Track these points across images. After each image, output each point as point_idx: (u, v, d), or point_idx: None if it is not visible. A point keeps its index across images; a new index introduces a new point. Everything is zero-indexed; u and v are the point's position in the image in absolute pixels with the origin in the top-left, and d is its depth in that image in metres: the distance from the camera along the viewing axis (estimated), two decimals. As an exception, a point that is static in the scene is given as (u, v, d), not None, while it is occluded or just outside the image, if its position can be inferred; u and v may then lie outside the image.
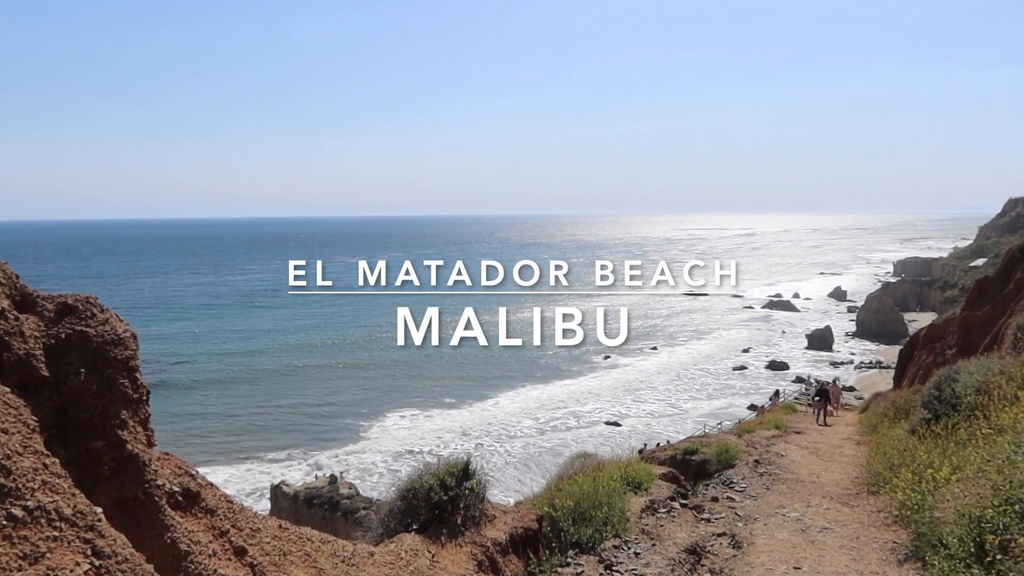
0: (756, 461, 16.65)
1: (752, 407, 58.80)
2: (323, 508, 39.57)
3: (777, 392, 50.37)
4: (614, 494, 9.78)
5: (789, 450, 18.82)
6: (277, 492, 41.92)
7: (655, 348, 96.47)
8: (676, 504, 11.24)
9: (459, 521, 7.39)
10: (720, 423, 51.41)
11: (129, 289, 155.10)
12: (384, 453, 55.98)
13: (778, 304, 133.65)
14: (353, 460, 54.63)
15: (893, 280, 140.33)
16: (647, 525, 9.62)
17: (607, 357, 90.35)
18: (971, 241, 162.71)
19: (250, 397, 69.24)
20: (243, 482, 50.07)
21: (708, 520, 10.51)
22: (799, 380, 73.39)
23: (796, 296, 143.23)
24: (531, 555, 7.95)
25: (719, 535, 9.74)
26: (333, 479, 42.52)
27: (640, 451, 25.97)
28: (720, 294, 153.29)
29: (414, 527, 7.28)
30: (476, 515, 7.54)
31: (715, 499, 11.85)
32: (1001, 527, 5.45)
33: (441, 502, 7.26)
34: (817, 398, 28.08)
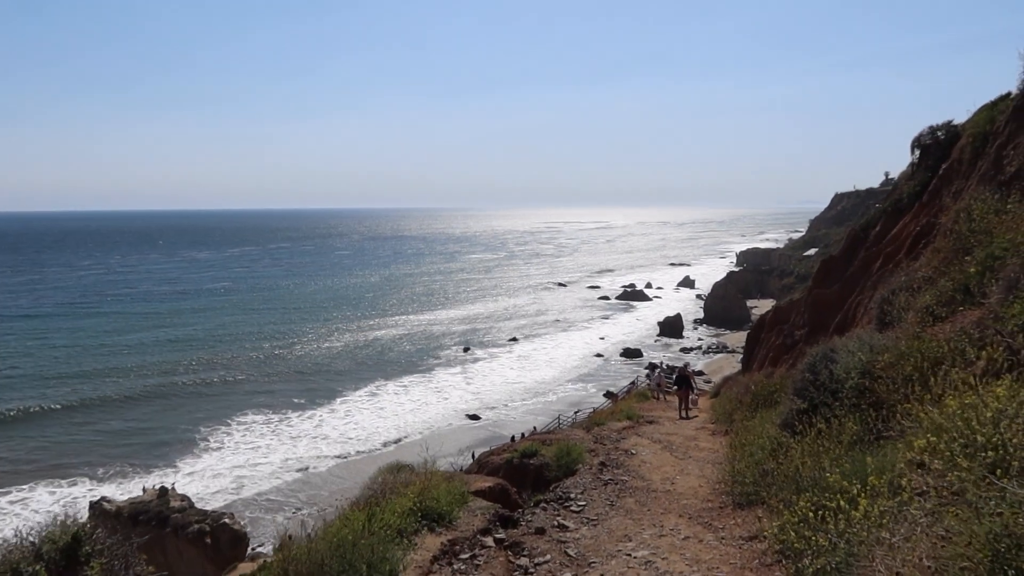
0: (602, 464, 13.99)
1: (608, 394, 57.98)
2: (150, 525, 34.26)
3: (634, 382, 49.39)
4: (387, 543, 6.56)
5: (640, 445, 16.39)
6: (97, 510, 36.01)
7: (515, 339, 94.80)
8: (488, 542, 8.16)
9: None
10: (577, 411, 49.92)
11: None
12: (227, 461, 50.58)
13: (632, 294, 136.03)
14: (189, 469, 49.00)
15: (736, 269, 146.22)
16: (434, 587, 6.45)
17: (467, 349, 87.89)
18: (803, 233, 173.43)
19: (76, 407, 60.94)
20: (56, 502, 43.34)
21: (524, 570, 7.45)
22: (652, 366, 73.56)
23: (648, 286, 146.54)
24: None
25: (534, 602, 6.70)
26: (164, 491, 37.08)
27: (474, 457, 23.14)
28: (576, 284, 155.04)
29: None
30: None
31: (541, 530, 8.84)
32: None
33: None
34: (676, 387, 24.83)
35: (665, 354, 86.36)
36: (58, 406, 60.82)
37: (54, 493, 45.30)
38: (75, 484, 46.53)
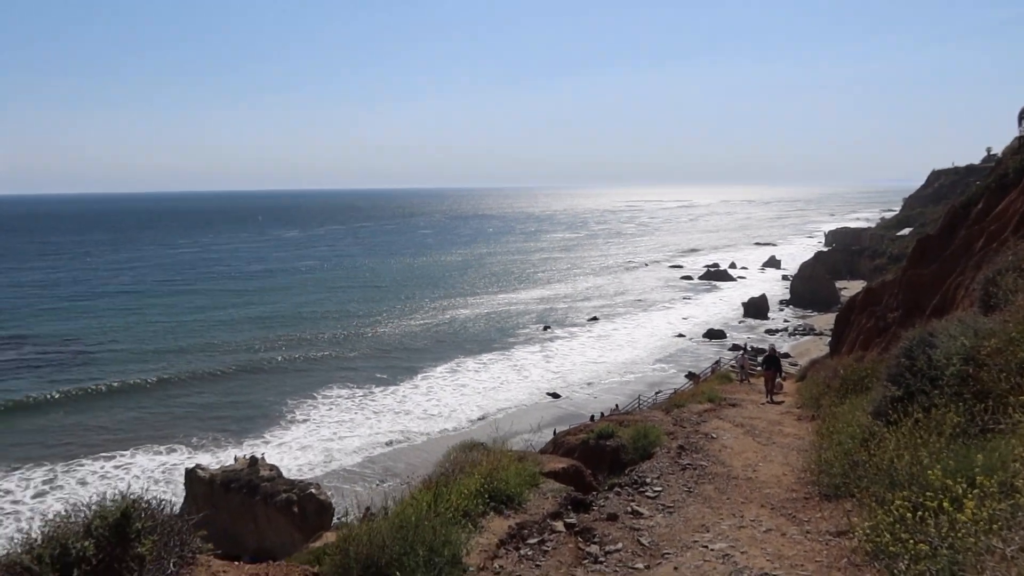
0: (681, 448, 13.52)
1: (689, 376, 56.99)
2: (241, 492, 35.75)
3: (718, 362, 48.28)
4: (452, 525, 6.40)
5: (721, 429, 15.83)
6: (192, 477, 37.86)
7: (595, 319, 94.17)
8: (558, 526, 7.91)
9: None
10: (657, 392, 49.32)
11: (42, 268, 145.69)
12: (314, 434, 52.18)
13: (715, 274, 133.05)
14: (278, 441, 50.77)
15: (825, 250, 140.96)
16: (498, 572, 6.27)
17: (546, 328, 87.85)
18: (897, 212, 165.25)
19: (172, 380, 64.01)
20: (157, 468, 45.90)
21: (594, 559, 7.18)
22: (736, 347, 71.78)
23: (733, 266, 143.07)
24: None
25: (603, 592, 6.42)
26: (253, 461, 38.50)
27: (555, 434, 22.91)
28: (657, 264, 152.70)
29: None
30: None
31: (614, 516, 8.53)
32: None
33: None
34: (764, 368, 23.88)
35: (749, 336, 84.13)
36: (155, 379, 63.88)
37: (154, 460, 47.69)
38: (173, 451, 48.84)
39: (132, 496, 4.26)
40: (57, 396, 58.64)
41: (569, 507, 8.69)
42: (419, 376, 66.78)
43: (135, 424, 53.83)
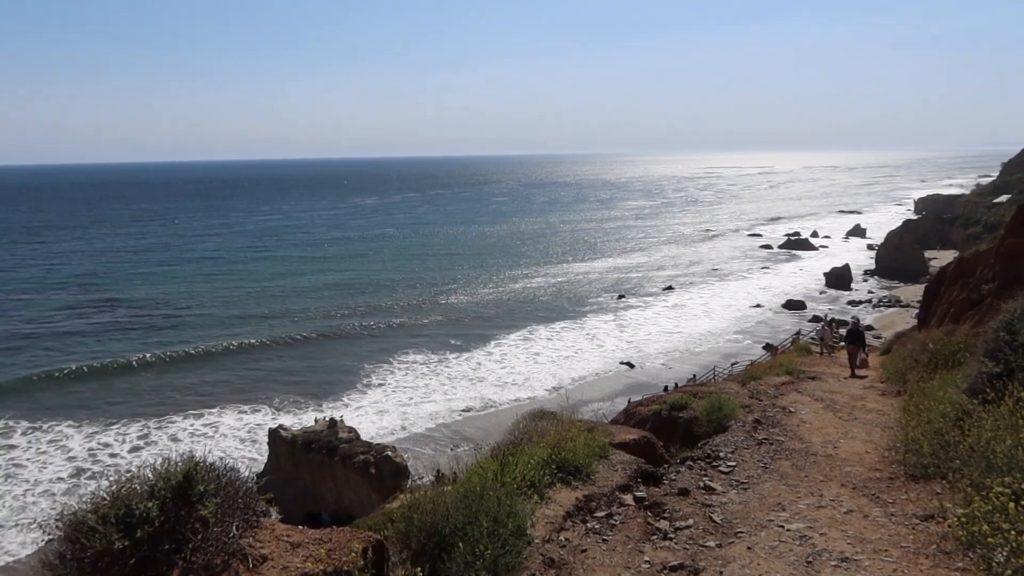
0: (756, 421, 13.12)
1: (767, 347, 55.61)
2: (321, 453, 37.16)
3: (798, 333, 46.87)
4: (517, 496, 6.30)
5: (800, 403, 15.30)
6: (275, 436, 39.56)
7: (670, 288, 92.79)
8: (627, 500, 7.73)
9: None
10: (733, 363, 48.36)
11: (134, 235, 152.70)
12: (390, 399, 53.46)
13: (796, 243, 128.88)
14: (356, 404, 52.21)
15: (914, 218, 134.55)
16: (564, 544, 6.14)
17: (620, 297, 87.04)
18: (995, 177, 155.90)
19: (255, 345, 66.45)
20: (242, 428, 47.99)
21: (663, 535, 6.96)
22: (816, 319, 69.57)
23: (814, 235, 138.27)
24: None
25: (671, 570, 6.20)
26: (333, 423, 39.85)
27: (630, 403, 22.61)
28: (736, 232, 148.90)
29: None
30: (215, 564, 4.10)
31: (685, 491, 8.29)
32: None
33: (122, 553, 3.79)
34: (848, 341, 22.57)
35: (831, 307, 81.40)
36: (237, 344, 66.36)
37: (239, 419, 49.69)
38: (257, 412, 50.77)
39: (196, 459, 4.29)
40: (149, 358, 61.58)
41: (639, 480, 8.51)
42: (492, 343, 67.27)
43: (221, 385, 56.11)
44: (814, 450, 10.68)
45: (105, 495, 3.96)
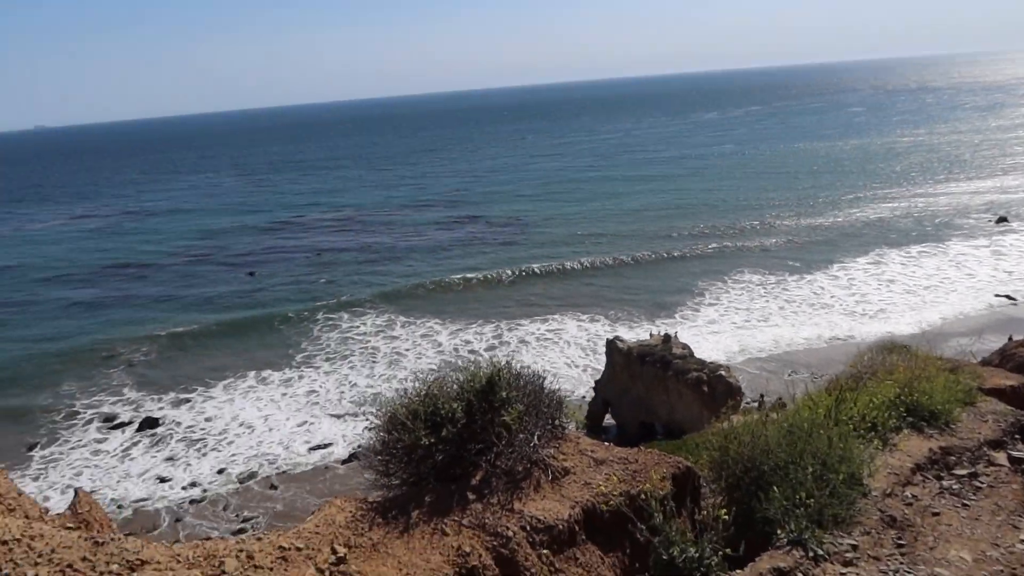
0: None
1: None
2: (655, 366, 38.21)
3: None
4: (853, 439, 5.53)
5: None
6: (612, 347, 41.58)
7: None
8: (999, 458, 6.43)
9: (476, 481, 4.07)
10: None
11: (488, 156, 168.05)
12: (724, 319, 52.87)
13: None
14: (690, 323, 52.36)
15: None
16: (910, 502, 5.28)
17: (1001, 220, 73.94)
18: None
19: (595, 264, 69.70)
20: (583, 336, 51.21)
21: (1046, 506, 5.62)
22: None
23: None
24: (625, 549, 4.36)
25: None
26: (667, 338, 40.62)
27: (1010, 340, 19.13)
28: None
29: (395, 483, 4.17)
30: (517, 471, 4.15)
31: (1080, 454, 6.64)
32: None
33: (429, 449, 4.01)
34: None
35: None
36: (574, 260, 70.02)
37: (580, 328, 52.98)
38: (595, 321, 53.72)
39: (499, 365, 4.36)
40: (501, 273, 67.50)
41: (1016, 436, 7.04)
42: (836, 267, 62.23)
43: (564, 296, 60.38)
44: None
45: (420, 391, 4.23)
